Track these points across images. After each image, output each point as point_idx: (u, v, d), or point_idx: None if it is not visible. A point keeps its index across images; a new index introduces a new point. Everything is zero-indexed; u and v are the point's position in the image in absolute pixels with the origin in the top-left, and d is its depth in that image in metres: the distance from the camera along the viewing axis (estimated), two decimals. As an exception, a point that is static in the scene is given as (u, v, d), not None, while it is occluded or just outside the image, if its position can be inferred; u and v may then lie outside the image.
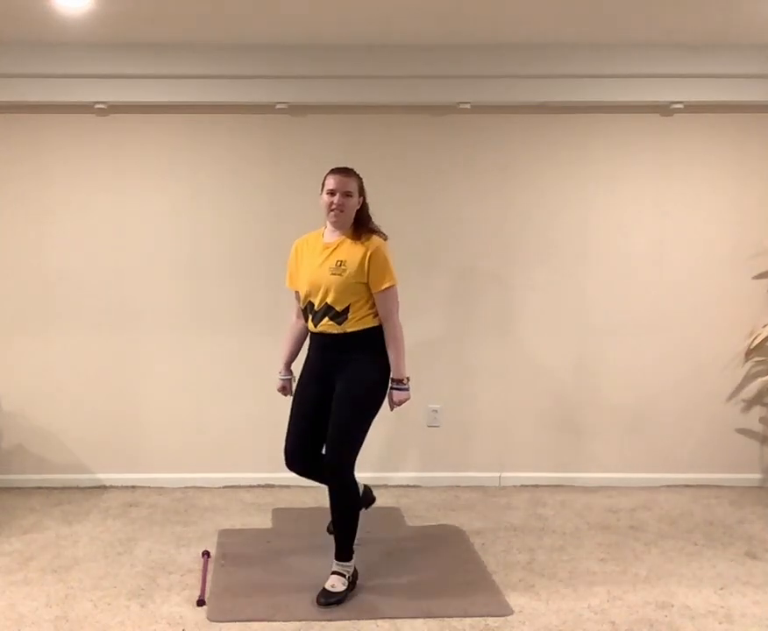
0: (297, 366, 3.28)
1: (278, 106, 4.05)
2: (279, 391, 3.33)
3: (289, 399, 3.26)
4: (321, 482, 3.19)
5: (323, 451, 3.07)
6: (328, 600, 2.94)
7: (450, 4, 3.40)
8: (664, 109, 4.17)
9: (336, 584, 3.00)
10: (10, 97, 3.97)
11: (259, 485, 4.30)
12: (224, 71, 3.97)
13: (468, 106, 4.08)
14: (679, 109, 4.12)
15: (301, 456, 3.15)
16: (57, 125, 4.10)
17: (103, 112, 4.07)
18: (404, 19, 3.60)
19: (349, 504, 3.05)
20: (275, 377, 3.33)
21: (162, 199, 4.18)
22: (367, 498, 3.43)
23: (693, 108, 4.13)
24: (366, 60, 3.98)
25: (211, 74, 3.97)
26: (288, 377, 3.31)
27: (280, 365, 3.31)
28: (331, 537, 3.13)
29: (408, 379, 3.05)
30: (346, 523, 3.05)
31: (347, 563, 3.05)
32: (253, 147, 4.18)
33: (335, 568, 3.04)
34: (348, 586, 3.01)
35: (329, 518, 3.22)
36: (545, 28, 3.73)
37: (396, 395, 3.03)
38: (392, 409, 3.08)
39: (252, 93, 4.03)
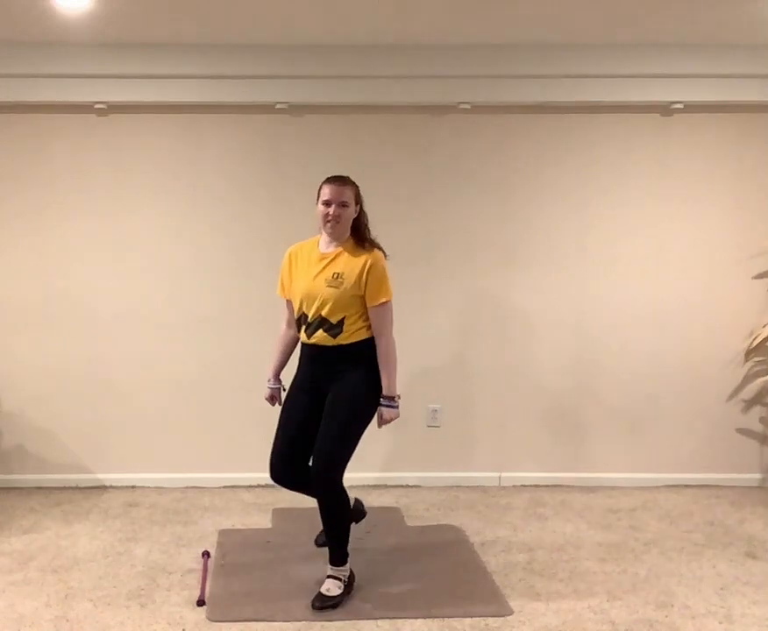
0: (286, 375, 3.24)
1: (278, 106, 4.05)
2: (267, 400, 3.27)
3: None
4: (307, 494, 3.12)
5: (311, 463, 2.99)
6: (323, 604, 2.93)
7: (450, 4, 3.40)
8: (664, 109, 4.17)
9: (331, 587, 2.99)
10: (10, 97, 3.97)
11: (259, 485, 4.29)
12: (224, 71, 3.97)
13: (468, 106, 4.09)
14: (679, 109, 4.13)
15: (287, 468, 3.08)
16: (57, 125, 4.10)
17: (102, 112, 4.07)
18: (404, 19, 3.60)
19: (339, 512, 3.01)
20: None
21: (162, 199, 4.18)
22: (358, 512, 3.34)
23: (693, 108, 4.13)
24: (366, 60, 3.98)
25: (211, 74, 3.98)
26: (277, 386, 3.26)
27: (269, 374, 3.26)
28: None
29: (398, 396, 3.00)
30: (338, 530, 3.03)
31: (342, 568, 3.03)
32: (253, 147, 4.18)
33: (330, 572, 3.03)
34: (344, 590, 3.00)
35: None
36: (545, 28, 3.74)
37: (386, 413, 2.97)
38: (380, 426, 3.01)
39: (252, 93, 4.03)
